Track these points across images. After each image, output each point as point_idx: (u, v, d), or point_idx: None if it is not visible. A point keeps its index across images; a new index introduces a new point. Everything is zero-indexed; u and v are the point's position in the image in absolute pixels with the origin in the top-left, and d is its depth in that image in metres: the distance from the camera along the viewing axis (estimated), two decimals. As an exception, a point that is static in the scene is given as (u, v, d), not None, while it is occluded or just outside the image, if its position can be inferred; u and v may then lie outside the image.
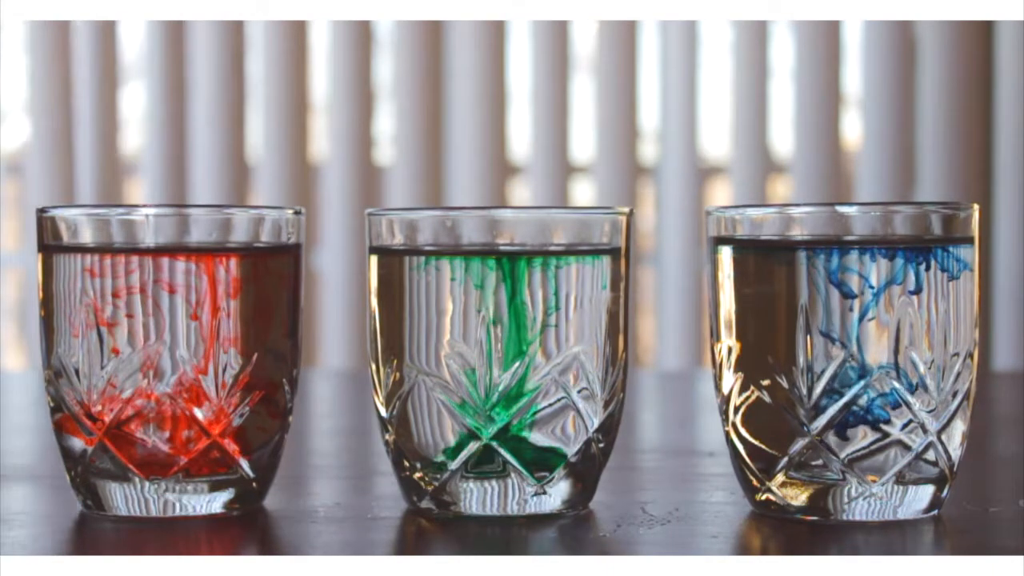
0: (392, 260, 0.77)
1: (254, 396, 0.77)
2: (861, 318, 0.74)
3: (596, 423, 0.77)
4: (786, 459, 0.75)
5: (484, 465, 0.75)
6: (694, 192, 2.39)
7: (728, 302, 0.77)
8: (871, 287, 0.74)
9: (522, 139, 2.42)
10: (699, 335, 2.38)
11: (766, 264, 0.75)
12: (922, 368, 0.74)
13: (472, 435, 0.75)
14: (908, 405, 0.74)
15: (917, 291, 0.74)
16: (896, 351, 0.74)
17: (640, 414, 1.24)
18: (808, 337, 0.74)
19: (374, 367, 0.78)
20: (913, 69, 2.35)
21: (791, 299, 0.75)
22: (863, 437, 0.74)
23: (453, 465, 0.76)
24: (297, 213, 0.79)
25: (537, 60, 2.38)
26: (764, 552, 0.72)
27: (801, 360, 0.74)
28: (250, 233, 0.77)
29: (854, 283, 0.74)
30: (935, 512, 0.76)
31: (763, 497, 0.76)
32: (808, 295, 0.74)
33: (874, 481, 0.75)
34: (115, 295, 0.75)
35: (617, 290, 0.77)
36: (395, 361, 0.77)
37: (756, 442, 0.76)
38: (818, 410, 0.74)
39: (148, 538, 0.73)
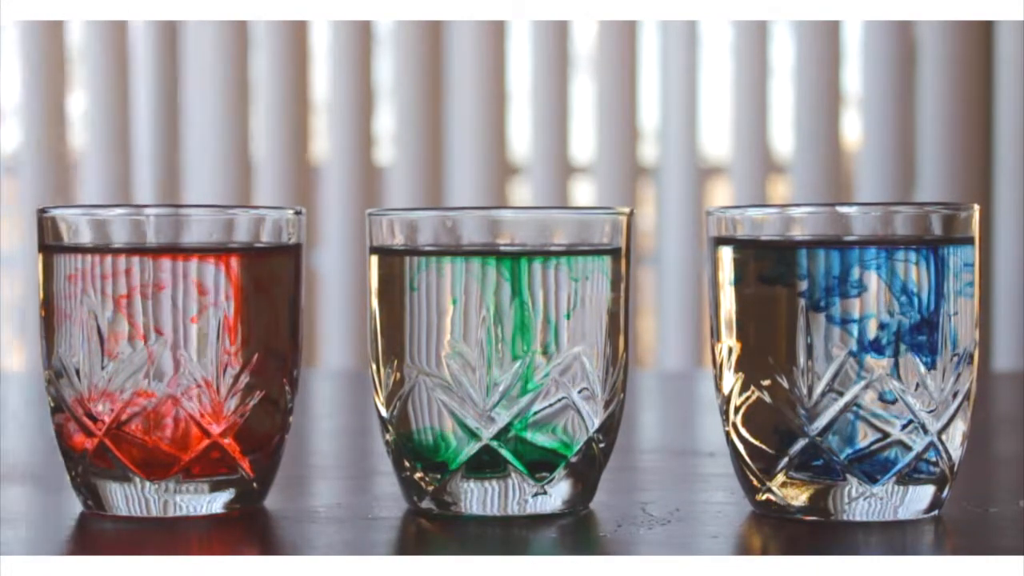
0: (392, 260, 0.77)
1: (254, 396, 0.77)
2: (861, 318, 0.74)
3: (597, 423, 0.77)
4: (786, 459, 0.75)
5: (484, 465, 0.75)
6: (694, 192, 2.39)
7: (728, 302, 0.77)
8: (869, 291, 0.74)
9: (522, 139, 2.42)
10: (699, 335, 2.38)
11: (766, 264, 0.75)
12: (922, 368, 0.74)
13: (472, 435, 0.75)
14: (908, 405, 0.74)
15: (917, 291, 0.74)
16: (896, 351, 0.74)
17: (640, 414, 1.24)
18: (808, 337, 0.74)
19: (374, 367, 0.78)
20: (913, 69, 2.35)
21: (791, 299, 0.75)
22: (863, 437, 0.74)
23: (453, 465, 0.76)
24: (298, 213, 0.79)
25: (537, 60, 2.38)
26: (764, 552, 0.72)
27: (801, 360, 0.74)
28: (251, 233, 0.77)
29: (846, 307, 0.74)
30: (935, 512, 0.76)
31: (763, 497, 0.76)
32: (808, 295, 0.74)
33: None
34: (115, 295, 0.75)
35: (617, 290, 0.77)
36: (395, 361, 0.77)
37: (756, 442, 0.76)
38: (818, 410, 0.74)
39: (148, 538, 0.73)
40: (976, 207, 0.77)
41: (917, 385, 0.74)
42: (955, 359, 0.75)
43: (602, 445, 0.77)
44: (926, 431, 0.75)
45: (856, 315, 0.74)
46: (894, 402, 0.74)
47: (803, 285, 0.74)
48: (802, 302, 0.74)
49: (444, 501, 0.76)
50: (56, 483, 0.85)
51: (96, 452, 0.76)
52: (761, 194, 2.37)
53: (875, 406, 0.74)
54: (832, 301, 0.74)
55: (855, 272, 0.74)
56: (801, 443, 0.75)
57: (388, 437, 0.78)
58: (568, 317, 0.75)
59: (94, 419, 0.75)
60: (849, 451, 0.74)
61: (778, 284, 0.75)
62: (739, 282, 0.77)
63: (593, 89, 2.41)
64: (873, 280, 0.74)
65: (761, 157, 2.38)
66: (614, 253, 0.77)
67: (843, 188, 2.38)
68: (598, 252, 0.77)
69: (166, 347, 0.75)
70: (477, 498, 0.76)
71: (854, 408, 0.74)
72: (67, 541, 0.74)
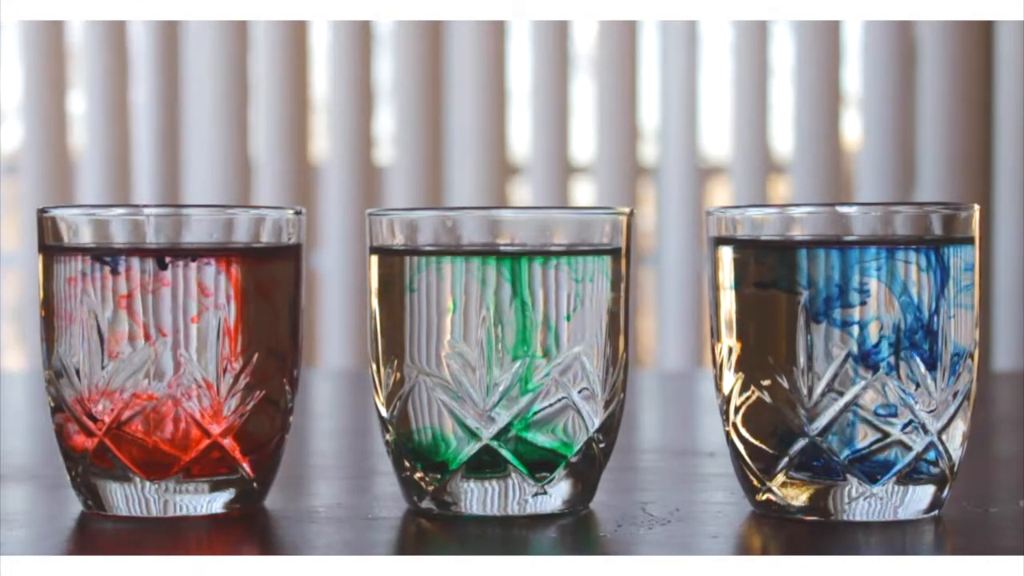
0: (393, 260, 0.77)
1: (254, 396, 0.77)
2: (861, 318, 0.74)
3: (597, 423, 0.77)
4: (786, 459, 0.75)
5: (484, 465, 0.75)
6: (694, 192, 2.39)
7: (728, 302, 0.77)
8: (869, 291, 0.74)
9: (522, 139, 2.42)
10: (699, 335, 2.38)
11: (766, 264, 0.75)
12: (922, 368, 0.74)
13: (472, 435, 0.75)
14: (908, 405, 0.74)
15: (917, 291, 0.74)
16: (896, 351, 0.74)
17: (640, 414, 1.24)
18: (808, 337, 0.74)
19: (375, 367, 0.78)
20: (913, 69, 2.35)
21: (791, 299, 0.75)
22: (863, 437, 0.74)
23: (453, 465, 0.76)
24: (298, 213, 0.79)
25: (537, 60, 2.38)
26: (764, 552, 0.72)
27: (801, 360, 0.74)
28: (251, 233, 0.77)
29: (842, 313, 0.74)
30: (935, 512, 0.76)
31: (763, 497, 0.76)
32: (808, 295, 0.74)
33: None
34: (115, 295, 0.75)
35: (617, 290, 0.77)
36: (396, 361, 0.77)
37: (756, 442, 0.76)
38: (818, 410, 0.74)
39: (148, 538, 0.73)
40: (976, 207, 0.77)
41: (917, 385, 0.74)
42: (955, 359, 0.75)
43: (602, 445, 0.77)
44: (926, 431, 0.75)
45: (856, 316, 0.74)
46: (894, 402, 0.74)
47: (805, 293, 0.74)
48: (802, 303, 0.74)
49: (444, 501, 0.76)
50: (56, 483, 0.85)
51: (96, 452, 0.76)
52: (761, 194, 2.37)
53: (875, 406, 0.74)
54: (833, 308, 0.74)
55: (856, 279, 0.74)
56: (801, 443, 0.75)
57: (388, 437, 0.78)
58: (568, 317, 0.75)
59: (94, 419, 0.75)
60: (849, 451, 0.74)
61: (779, 285, 0.75)
62: (739, 282, 0.77)
63: (593, 89, 2.41)
64: (873, 282, 0.74)
65: (761, 157, 2.38)
66: (614, 253, 0.77)
67: (843, 188, 2.38)
68: (598, 252, 0.77)
69: (166, 347, 0.75)
70: (477, 498, 0.76)
71: (854, 408, 0.74)
72: (67, 541, 0.74)
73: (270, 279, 0.77)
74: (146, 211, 0.76)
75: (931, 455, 0.75)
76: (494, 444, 0.75)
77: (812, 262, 0.74)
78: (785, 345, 0.75)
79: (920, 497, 0.75)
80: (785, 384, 0.75)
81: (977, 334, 0.77)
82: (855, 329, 0.74)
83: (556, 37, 2.37)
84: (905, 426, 0.74)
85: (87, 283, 0.75)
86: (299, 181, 2.37)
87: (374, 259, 0.78)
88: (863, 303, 0.74)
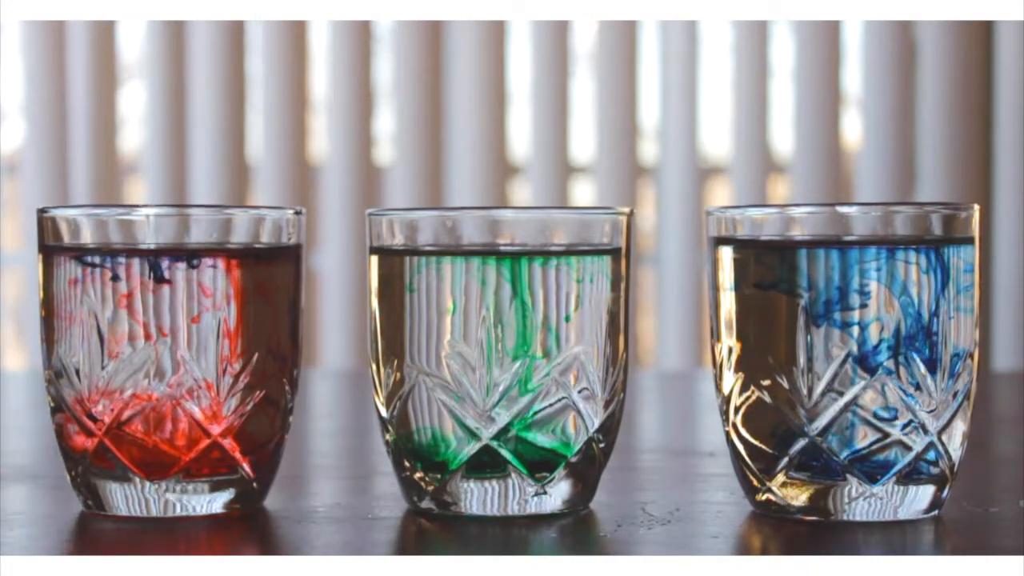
0: (392, 260, 0.77)
1: (254, 396, 0.77)
2: (861, 318, 0.74)
3: (597, 423, 0.77)
4: (786, 459, 0.75)
5: (484, 465, 0.75)
6: (694, 192, 2.39)
7: (728, 302, 0.77)
8: (869, 291, 0.74)
9: (522, 139, 2.42)
10: (699, 335, 2.38)
11: (766, 265, 0.75)
12: (922, 368, 0.74)
13: (472, 435, 0.75)
14: (908, 405, 0.74)
15: (917, 291, 0.74)
16: (896, 351, 0.74)
17: (640, 414, 1.24)
18: (808, 337, 0.74)
19: (374, 367, 0.78)
20: (913, 69, 2.35)
21: (791, 299, 0.75)
22: (863, 437, 0.74)
23: (453, 465, 0.76)
24: (297, 213, 0.79)
25: (537, 60, 2.38)
26: (764, 552, 0.72)
27: (801, 360, 0.74)
28: (250, 233, 0.77)
29: (844, 315, 0.74)
30: (935, 512, 0.76)
31: (763, 497, 0.76)
32: (809, 298, 0.74)
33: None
34: (115, 295, 0.75)
35: (617, 290, 0.77)
36: (396, 361, 0.77)
37: (756, 442, 0.76)
38: (818, 410, 0.74)
39: (148, 538, 0.73)
40: (976, 207, 0.77)
41: (917, 385, 0.74)
42: (955, 359, 0.75)
43: (602, 445, 0.77)
44: (926, 431, 0.75)
45: (856, 317, 0.74)
46: (894, 402, 0.74)
47: (805, 296, 0.74)
48: (802, 305, 0.74)
49: (444, 501, 0.76)
50: (56, 483, 0.85)
51: (96, 452, 0.76)
52: (761, 194, 2.37)
53: (875, 406, 0.74)
54: (833, 310, 0.74)
55: (856, 280, 0.74)
56: (801, 443, 0.75)
57: (388, 437, 0.78)
58: (568, 318, 0.75)
59: (94, 419, 0.75)
60: (849, 451, 0.74)
61: (779, 285, 0.75)
62: (739, 282, 0.77)
63: (593, 89, 2.41)
64: (873, 283, 0.74)
65: (761, 157, 2.38)
66: (614, 253, 0.77)
67: (843, 188, 2.38)
68: (598, 252, 0.77)
69: (166, 347, 0.75)
70: (477, 498, 0.76)
71: (854, 408, 0.74)
72: (67, 541, 0.74)
73: (270, 279, 0.77)
74: (145, 211, 0.76)
75: (931, 455, 0.75)
76: (494, 444, 0.75)
77: (812, 263, 0.74)
78: (785, 345, 0.75)
79: (920, 497, 0.75)
80: (785, 384, 0.75)
81: (977, 334, 0.77)
82: (855, 330, 0.74)
83: (556, 37, 2.37)
84: (905, 426, 0.74)
85: (87, 283, 0.75)
86: (299, 181, 2.36)
87: (374, 259, 0.78)
88: (863, 305, 0.74)
